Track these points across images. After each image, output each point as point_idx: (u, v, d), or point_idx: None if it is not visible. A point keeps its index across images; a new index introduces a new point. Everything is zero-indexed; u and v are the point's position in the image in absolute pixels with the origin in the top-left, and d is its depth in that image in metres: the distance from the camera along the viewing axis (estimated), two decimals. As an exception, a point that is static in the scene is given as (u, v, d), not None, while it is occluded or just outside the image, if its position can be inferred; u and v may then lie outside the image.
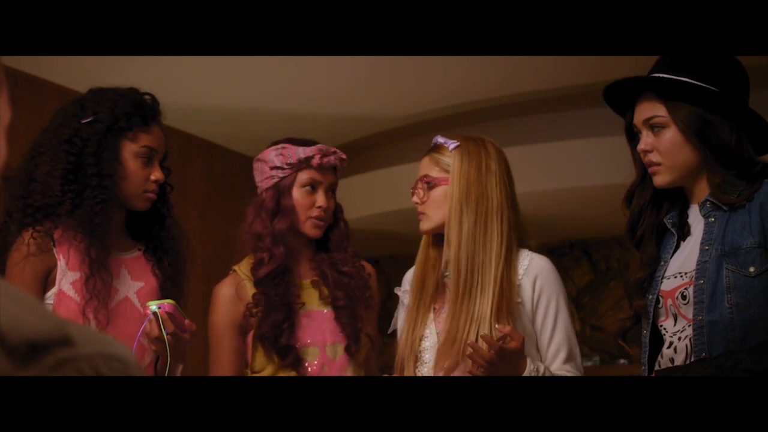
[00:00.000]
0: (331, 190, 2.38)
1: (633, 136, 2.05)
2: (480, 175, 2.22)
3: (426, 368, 2.20)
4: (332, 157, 2.36)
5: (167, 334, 1.98)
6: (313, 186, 2.33)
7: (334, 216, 2.42)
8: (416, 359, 2.21)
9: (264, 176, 2.36)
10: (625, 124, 2.08)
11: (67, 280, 2.09)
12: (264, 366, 2.28)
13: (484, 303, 2.14)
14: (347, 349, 2.31)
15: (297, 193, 2.33)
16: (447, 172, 2.24)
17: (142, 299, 2.17)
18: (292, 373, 2.26)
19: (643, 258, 2.08)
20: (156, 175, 2.17)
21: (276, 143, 2.38)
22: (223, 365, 2.28)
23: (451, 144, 2.26)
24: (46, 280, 2.11)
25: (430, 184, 2.25)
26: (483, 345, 2.02)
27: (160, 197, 2.26)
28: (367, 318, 2.37)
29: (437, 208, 2.24)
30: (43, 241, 2.08)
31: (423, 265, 2.28)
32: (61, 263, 2.10)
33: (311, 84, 4.80)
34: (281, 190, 2.33)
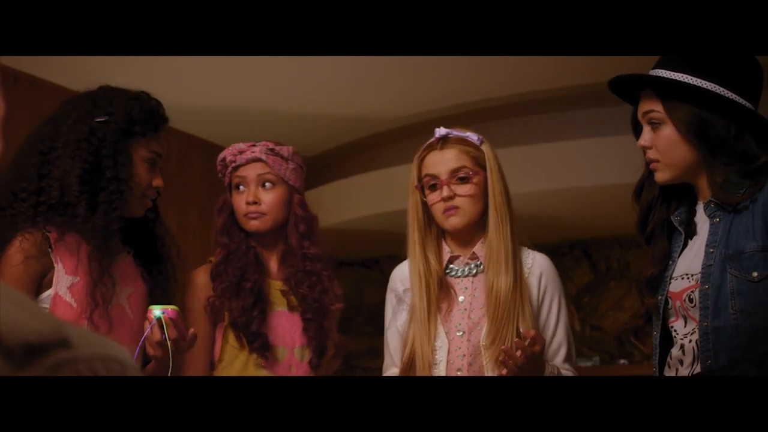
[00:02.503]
0: (265, 182, 2.40)
1: (639, 130, 2.05)
2: (502, 169, 2.27)
3: (437, 370, 2.19)
4: (248, 153, 2.40)
5: (170, 340, 1.96)
6: (239, 185, 2.41)
7: (290, 208, 2.41)
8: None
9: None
10: (631, 117, 2.07)
11: (65, 284, 2.05)
12: (232, 360, 2.30)
13: (517, 300, 2.18)
14: (316, 352, 2.35)
15: (233, 195, 2.43)
16: (479, 165, 2.24)
17: (132, 306, 2.15)
18: (260, 361, 2.29)
19: (654, 254, 2.05)
20: (157, 181, 2.15)
21: None
22: (195, 351, 2.28)
23: (475, 137, 2.26)
24: (41, 282, 2.06)
25: (465, 179, 2.23)
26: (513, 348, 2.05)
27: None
28: (334, 322, 2.40)
29: (475, 203, 2.23)
30: (42, 243, 2.04)
31: (425, 268, 2.26)
32: (58, 266, 2.05)
33: (311, 84, 4.80)
34: (226, 190, 2.47)
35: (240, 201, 2.38)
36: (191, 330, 2.03)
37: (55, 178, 2.05)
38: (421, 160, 2.29)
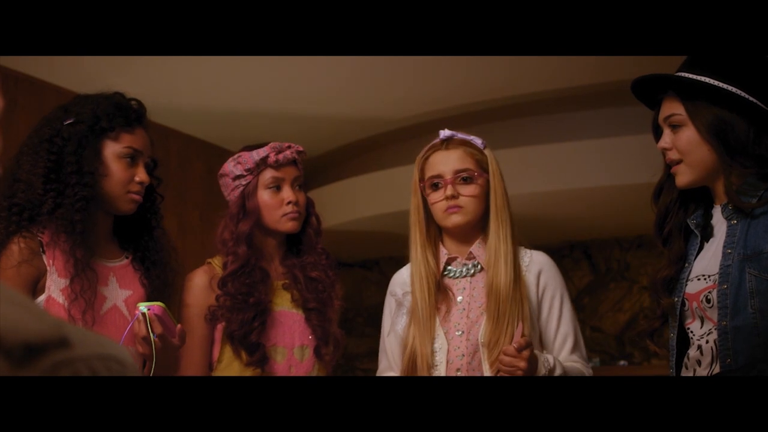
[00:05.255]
0: (297, 185, 2.42)
1: (660, 134, 2.07)
2: (502, 174, 2.29)
3: (437, 372, 2.20)
4: (288, 152, 2.40)
5: (154, 336, 1.97)
6: (277, 185, 2.38)
7: (306, 211, 2.44)
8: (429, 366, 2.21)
9: (230, 188, 2.42)
10: (652, 120, 2.09)
11: (57, 286, 2.06)
12: (230, 362, 2.30)
13: (516, 299, 2.19)
14: (316, 351, 2.37)
15: (264, 195, 2.38)
16: (482, 168, 2.26)
17: (130, 307, 2.16)
18: (258, 371, 2.28)
19: (670, 256, 2.06)
20: (140, 176, 2.16)
21: (233, 156, 2.44)
22: (193, 352, 2.28)
23: (479, 141, 2.30)
24: (36, 286, 2.08)
25: (469, 179, 2.25)
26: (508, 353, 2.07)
27: (150, 206, 2.25)
28: (334, 319, 2.41)
29: (477, 204, 2.25)
30: (33, 247, 2.06)
31: (426, 269, 2.27)
32: (51, 269, 2.07)
33: (311, 85, 4.80)
34: (246, 194, 2.38)
35: (276, 201, 2.37)
36: (179, 326, 2.03)
37: (22, 180, 2.10)
38: (425, 159, 2.31)
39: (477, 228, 2.28)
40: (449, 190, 2.23)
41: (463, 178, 2.24)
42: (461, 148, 2.27)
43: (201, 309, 2.33)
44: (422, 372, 2.19)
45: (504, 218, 2.24)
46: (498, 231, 2.23)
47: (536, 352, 2.11)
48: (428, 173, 2.28)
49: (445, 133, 2.29)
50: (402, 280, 2.36)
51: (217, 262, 2.41)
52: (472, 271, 2.27)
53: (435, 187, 2.26)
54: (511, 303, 2.17)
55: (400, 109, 5.24)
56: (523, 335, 2.08)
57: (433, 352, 2.21)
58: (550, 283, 2.26)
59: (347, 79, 4.74)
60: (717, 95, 1.94)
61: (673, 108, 1.99)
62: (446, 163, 2.26)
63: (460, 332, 2.21)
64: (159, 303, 2.02)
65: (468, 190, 2.24)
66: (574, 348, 2.25)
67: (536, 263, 2.27)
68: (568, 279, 6.39)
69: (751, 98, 1.93)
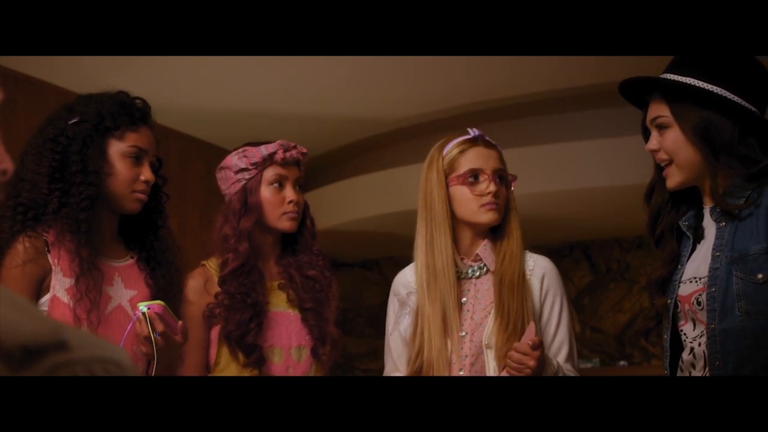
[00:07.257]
0: (298, 185, 2.42)
1: (649, 135, 2.07)
2: None
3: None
4: (294, 151, 2.41)
5: (156, 335, 1.97)
6: (280, 182, 2.38)
7: (302, 213, 2.44)
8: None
9: (230, 182, 2.41)
10: (641, 122, 2.09)
11: (62, 286, 2.06)
12: (228, 364, 2.30)
13: (522, 300, 2.21)
14: (313, 352, 2.36)
15: (266, 191, 2.37)
16: (508, 172, 2.32)
17: (135, 308, 2.16)
18: (255, 373, 2.28)
19: (663, 256, 2.07)
20: (146, 175, 2.15)
21: (235, 149, 2.41)
22: (189, 353, 2.27)
23: (497, 145, 2.34)
24: (41, 285, 2.07)
25: (504, 180, 2.29)
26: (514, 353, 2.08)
27: (155, 206, 2.25)
28: (331, 319, 2.40)
29: (504, 204, 2.29)
30: (38, 246, 2.06)
31: (447, 262, 2.26)
32: (56, 269, 2.07)
33: (311, 85, 4.80)
34: (248, 190, 2.37)
35: (278, 199, 2.37)
36: (180, 323, 2.03)
37: (27, 180, 2.10)
38: (461, 153, 2.29)
39: (486, 229, 2.29)
40: (493, 186, 2.23)
41: (500, 176, 2.27)
42: (496, 150, 2.31)
43: (196, 312, 2.32)
44: (438, 369, 2.19)
45: (518, 220, 2.29)
46: (513, 232, 2.27)
47: (546, 353, 2.11)
48: (466, 166, 2.26)
49: (476, 131, 2.32)
50: (405, 280, 2.35)
51: (212, 264, 2.40)
52: (478, 273, 2.27)
53: (475, 178, 2.25)
54: (517, 305, 2.18)
55: (400, 109, 5.24)
56: (536, 334, 2.08)
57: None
58: (552, 289, 2.27)
59: (347, 79, 4.74)
60: (702, 96, 1.93)
61: (659, 110, 2.00)
62: (487, 160, 2.27)
63: (464, 333, 2.21)
64: (158, 301, 2.02)
65: (503, 191, 2.27)
66: (568, 357, 2.24)
67: (540, 268, 2.28)
68: (567, 279, 6.40)
69: (736, 99, 1.92)
